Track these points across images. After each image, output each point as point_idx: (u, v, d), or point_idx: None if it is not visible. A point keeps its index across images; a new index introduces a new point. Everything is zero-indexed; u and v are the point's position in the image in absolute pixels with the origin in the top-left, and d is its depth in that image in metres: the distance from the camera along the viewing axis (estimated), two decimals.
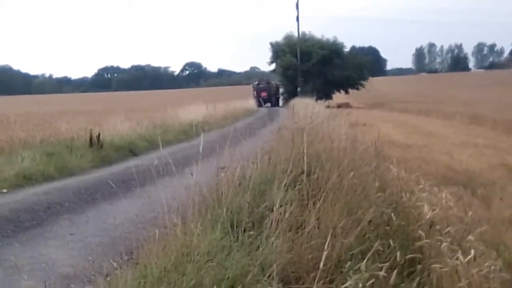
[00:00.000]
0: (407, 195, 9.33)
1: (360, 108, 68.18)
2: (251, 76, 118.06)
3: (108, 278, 5.51)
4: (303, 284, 5.21)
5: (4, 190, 13.32)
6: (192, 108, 39.24)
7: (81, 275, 6.71)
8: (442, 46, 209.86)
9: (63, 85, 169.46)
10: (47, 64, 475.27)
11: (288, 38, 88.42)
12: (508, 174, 17.32)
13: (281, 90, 78.87)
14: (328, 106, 56.21)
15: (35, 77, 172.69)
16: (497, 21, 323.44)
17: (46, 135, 21.72)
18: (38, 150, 18.06)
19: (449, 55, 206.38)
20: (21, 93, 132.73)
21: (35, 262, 7.91)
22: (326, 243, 5.34)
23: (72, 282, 6.61)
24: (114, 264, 6.02)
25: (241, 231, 6.25)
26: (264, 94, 73.10)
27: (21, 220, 10.29)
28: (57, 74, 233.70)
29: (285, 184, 7.41)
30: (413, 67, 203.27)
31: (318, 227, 6.08)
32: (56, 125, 24.43)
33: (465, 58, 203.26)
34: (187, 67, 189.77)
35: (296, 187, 7.57)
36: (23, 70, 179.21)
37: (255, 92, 74.81)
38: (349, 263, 5.57)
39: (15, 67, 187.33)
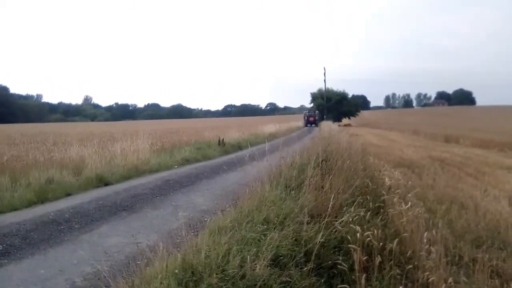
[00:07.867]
0: (378, 172, 9.08)
1: (356, 126, 66.67)
2: (301, 109, 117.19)
3: (223, 212, 5.54)
4: (320, 217, 5.09)
5: (176, 166, 13.58)
6: (269, 126, 39.08)
7: (211, 210, 6.78)
8: (399, 95, 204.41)
9: (207, 114, 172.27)
10: (201, 101, 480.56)
11: (319, 90, 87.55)
12: (431, 161, 16.76)
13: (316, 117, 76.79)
14: (339, 125, 55.48)
15: (194, 109, 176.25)
16: (427, 80, 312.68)
17: (197, 138, 22.06)
18: (193, 146, 18.37)
19: (402, 99, 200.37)
20: (187, 118, 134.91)
21: (188, 203, 8.04)
22: (332, 197, 5.24)
23: (206, 214, 6.68)
24: (227, 205, 6.04)
25: (291, 190, 6.17)
26: (311, 118, 68.57)
27: (182, 181, 10.46)
28: (205, 107, 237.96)
29: (314, 166, 7.28)
30: (384, 105, 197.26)
31: (330, 188, 5.93)
32: (202, 134, 24.77)
33: (411, 101, 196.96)
34: (268, 105, 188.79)
35: (319, 167, 7.43)
36: (188, 106, 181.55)
37: (305, 117, 68.53)
38: (345, 208, 5.43)
39: (185, 104, 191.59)
